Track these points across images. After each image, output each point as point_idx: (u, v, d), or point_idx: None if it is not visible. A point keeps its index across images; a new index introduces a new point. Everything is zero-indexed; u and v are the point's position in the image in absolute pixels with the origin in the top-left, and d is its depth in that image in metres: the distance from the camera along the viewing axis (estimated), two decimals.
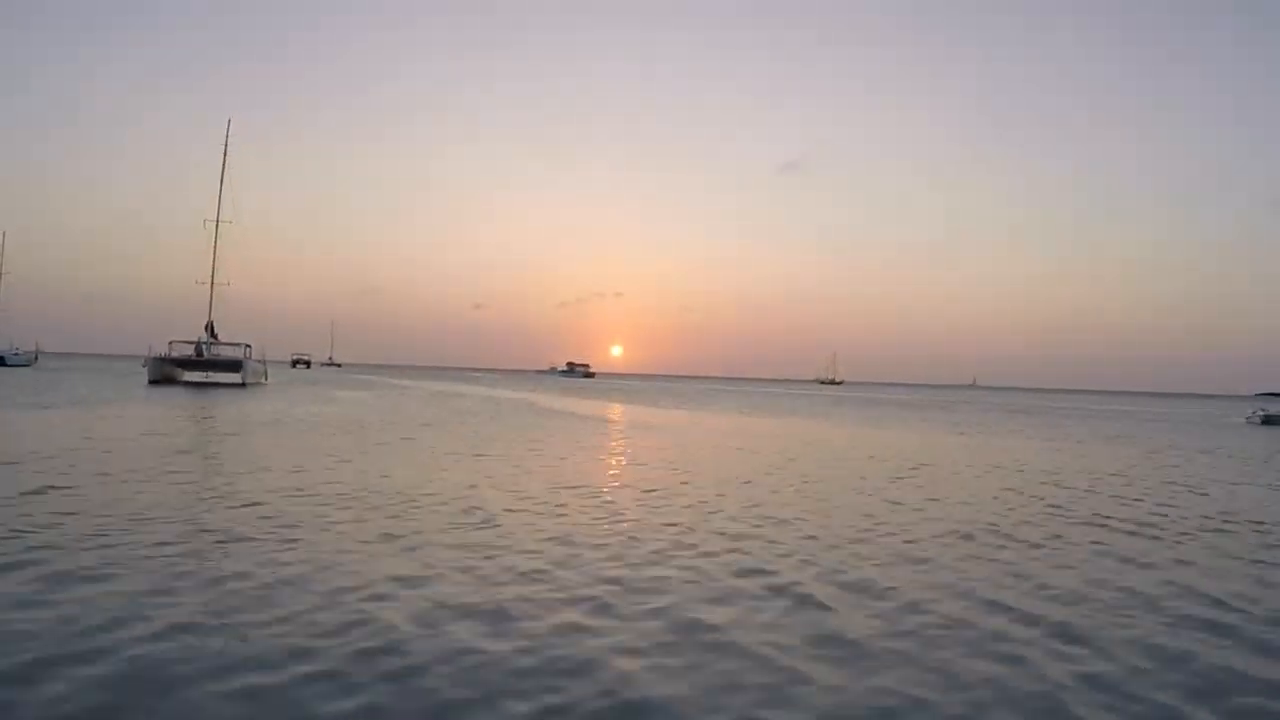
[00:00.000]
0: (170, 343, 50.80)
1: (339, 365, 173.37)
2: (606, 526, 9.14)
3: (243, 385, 48.69)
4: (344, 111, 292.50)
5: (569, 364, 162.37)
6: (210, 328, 53.47)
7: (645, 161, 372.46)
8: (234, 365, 50.43)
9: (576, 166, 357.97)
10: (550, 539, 8.28)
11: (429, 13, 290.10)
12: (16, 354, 75.20)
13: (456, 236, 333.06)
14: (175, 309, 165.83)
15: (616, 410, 40.27)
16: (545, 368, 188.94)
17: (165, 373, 49.21)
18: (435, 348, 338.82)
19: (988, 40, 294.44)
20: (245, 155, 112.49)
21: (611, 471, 14.66)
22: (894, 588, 6.75)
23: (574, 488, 12.11)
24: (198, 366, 51.19)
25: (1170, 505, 12.44)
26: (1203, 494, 14.11)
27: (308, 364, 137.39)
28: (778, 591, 6.54)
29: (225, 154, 55.81)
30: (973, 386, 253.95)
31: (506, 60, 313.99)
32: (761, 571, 7.21)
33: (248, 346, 53.20)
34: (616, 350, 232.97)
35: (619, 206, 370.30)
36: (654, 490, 12.16)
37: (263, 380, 56.39)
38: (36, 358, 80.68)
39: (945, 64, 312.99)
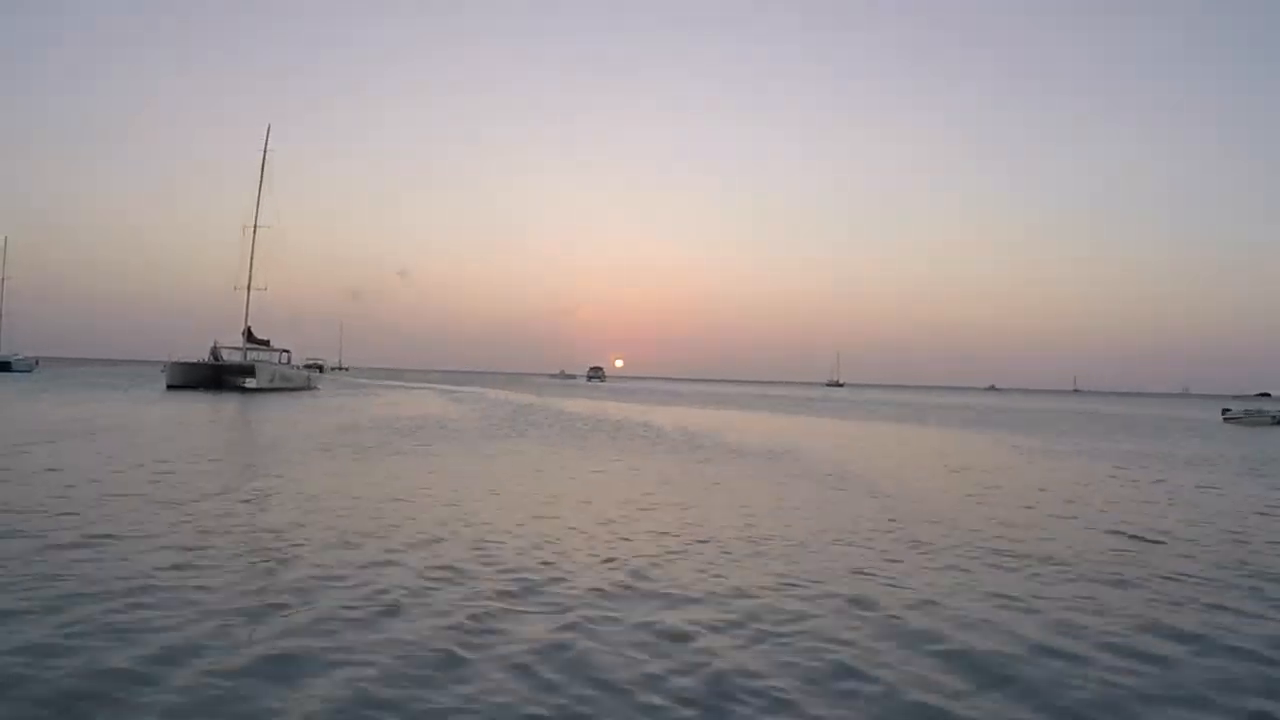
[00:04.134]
0: (213, 348, 50.15)
1: (346, 369, 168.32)
2: None
3: (310, 389, 50.99)
4: (344, 111, 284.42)
5: (592, 369, 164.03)
6: (248, 333, 52.29)
7: (657, 162, 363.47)
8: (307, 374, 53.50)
9: (592, 168, 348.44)
10: None
11: (438, 14, 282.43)
12: (20, 360, 74.30)
13: (457, 238, 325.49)
14: (195, 314, 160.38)
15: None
16: (556, 372, 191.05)
17: (194, 378, 48.34)
18: (433, 352, 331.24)
19: (994, 39, 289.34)
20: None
21: None
22: None
23: None
24: (240, 373, 49.82)
25: None
26: None
27: (320, 369, 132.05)
28: None
29: (264, 159, 54.94)
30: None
31: (512, 64, 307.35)
32: None
33: (285, 352, 53.13)
34: (619, 362, 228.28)
35: (628, 208, 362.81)
36: None
37: (308, 385, 56.98)
38: (37, 362, 79.43)
39: (948, 59, 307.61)
